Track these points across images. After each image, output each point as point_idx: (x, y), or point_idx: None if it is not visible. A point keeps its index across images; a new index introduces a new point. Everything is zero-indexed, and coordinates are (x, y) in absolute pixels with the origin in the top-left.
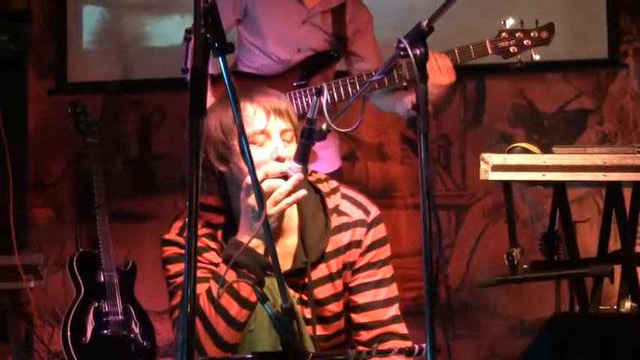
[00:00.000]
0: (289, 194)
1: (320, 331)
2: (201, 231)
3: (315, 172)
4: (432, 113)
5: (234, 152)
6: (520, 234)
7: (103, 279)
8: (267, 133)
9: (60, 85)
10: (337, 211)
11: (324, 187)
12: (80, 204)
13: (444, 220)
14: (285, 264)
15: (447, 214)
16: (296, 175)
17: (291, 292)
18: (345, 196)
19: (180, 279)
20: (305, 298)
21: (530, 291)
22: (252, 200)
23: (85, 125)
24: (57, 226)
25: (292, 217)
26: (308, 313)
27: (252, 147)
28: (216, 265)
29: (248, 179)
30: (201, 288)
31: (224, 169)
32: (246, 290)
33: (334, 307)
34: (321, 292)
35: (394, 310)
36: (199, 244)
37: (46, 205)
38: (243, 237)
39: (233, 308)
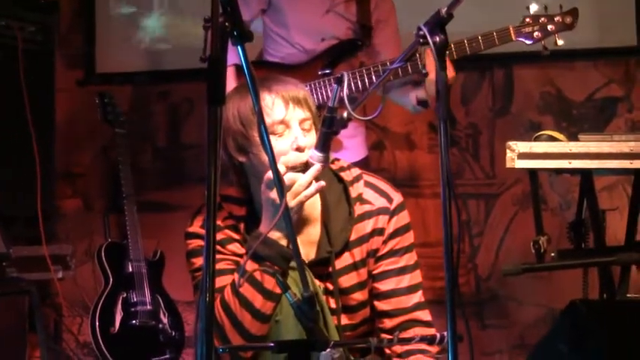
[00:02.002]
0: (309, 185)
1: (345, 320)
2: (224, 223)
3: (338, 159)
4: (454, 100)
5: (254, 143)
6: (549, 222)
7: (131, 269)
8: (287, 123)
9: (88, 75)
10: (360, 199)
11: (346, 176)
12: (109, 194)
13: (474, 209)
14: (310, 253)
15: (476, 202)
16: (315, 167)
17: (316, 282)
18: (367, 184)
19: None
20: (330, 287)
21: (559, 279)
22: (273, 194)
23: (113, 116)
24: (85, 217)
25: (316, 206)
26: (333, 303)
27: (271, 137)
28: (240, 256)
29: (269, 173)
30: (225, 280)
31: (244, 159)
32: (270, 282)
33: (359, 296)
34: (346, 280)
35: (418, 297)
36: (222, 235)
37: (75, 195)
38: (265, 230)
39: (258, 301)
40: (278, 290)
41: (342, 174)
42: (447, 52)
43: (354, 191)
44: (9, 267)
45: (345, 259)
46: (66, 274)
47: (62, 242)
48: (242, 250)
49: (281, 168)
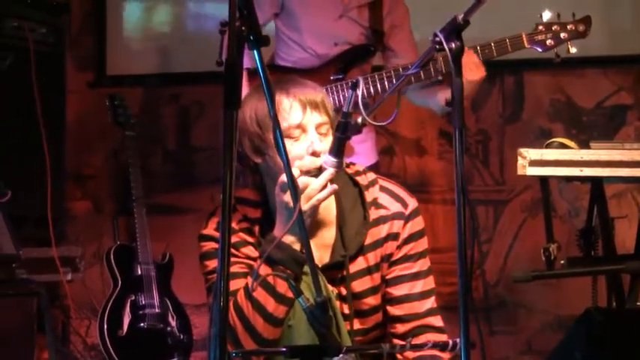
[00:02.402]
0: (322, 189)
1: (357, 325)
2: (239, 225)
3: (353, 164)
4: (467, 109)
5: (270, 145)
6: (559, 230)
7: (140, 272)
8: (303, 127)
9: (99, 77)
10: (375, 204)
11: (362, 180)
12: (118, 197)
13: (482, 215)
14: (324, 257)
15: (485, 209)
16: (328, 171)
17: (329, 287)
18: (383, 189)
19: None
20: (343, 292)
21: (567, 287)
22: (287, 197)
23: (123, 118)
24: (95, 219)
25: (331, 210)
26: (346, 309)
27: (287, 141)
28: (254, 259)
29: (283, 176)
30: (239, 284)
31: (259, 161)
32: (282, 286)
33: (372, 301)
34: (359, 285)
35: (430, 302)
36: (237, 238)
37: (85, 197)
38: (279, 233)
39: (270, 305)
40: (290, 294)
41: (358, 178)
42: (487, 52)
43: (369, 195)
44: (18, 268)
45: (359, 264)
46: (75, 276)
47: (72, 244)
48: (256, 254)
49: (295, 172)
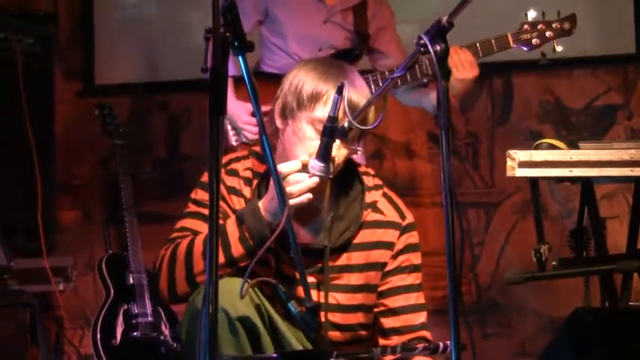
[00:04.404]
0: (300, 195)
1: (331, 317)
2: (243, 172)
3: (366, 166)
4: (458, 109)
5: (296, 120)
6: (550, 231)
7: (132, 281)
8: None
9: (87, 87)
10: (374, 207)
11: (368, 181)
12: (109, 206)
13: (474, 218)
14: (310, 239)
15: (476, 211)
16: (313, 179)
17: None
18: (385, 195)
19: (201, 209)
20: (314, 280)
21: (561, 288)
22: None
23: (112, 127)
24: (86, 229)
25: (333, 198)
26: (322, 297)
27: (310, 129)
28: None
29: (282, 167)
30: (201, 227)
31: (280, 125)
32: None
33: (342, 298)
34: (335, 279)
35: (423, 316)
36: (235, 183)
37: (75, 207)
38: (265, 206)
39: (198, 267)
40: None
41: (365, 178)
42: (472, 52)
43: (369, 197)
44: (10, 279)
45: (342, 259)
46: (67, 286)
47: (62, 254)
48: (240, 207)
49: (296, 164)
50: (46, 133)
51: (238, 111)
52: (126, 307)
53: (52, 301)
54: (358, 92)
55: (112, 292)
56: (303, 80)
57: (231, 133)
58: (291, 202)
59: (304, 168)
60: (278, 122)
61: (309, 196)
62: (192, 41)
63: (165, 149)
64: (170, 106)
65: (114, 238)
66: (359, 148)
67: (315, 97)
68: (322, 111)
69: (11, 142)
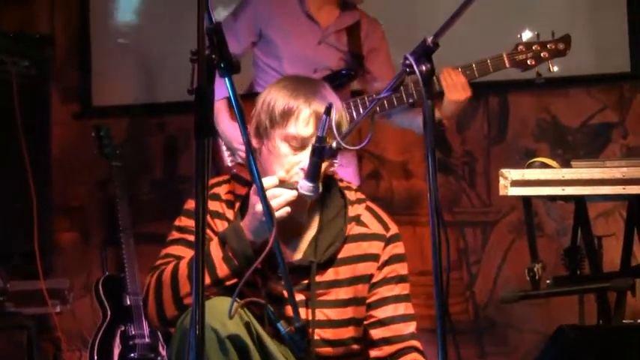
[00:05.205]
0: (278, 208)
1: (321, 333)
2: (225, 196)
3: (349, 182)
4: (450, 128)
5: (270, 139)
6: (546, 249)
7: (129, 302)
8: (306, 144)
9: (85, 108)
10: (357, 220)
11: (350, 195)
12: (106, 227)
13: (470, 237)
14: (296, 256)
15: (472, 230)
16: (289, 193)
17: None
18: (368, 209)
19: (185, 235)
20: (302, 297)
21: (557, 306)
22: (258, 204)
23: (109, 149)
24: (83, 250)
25: (313, 213)
26: (309, 314)
27: (285, 146)
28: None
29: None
30: (185, 253)
31: (256, 145)
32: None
33: (331, 313)
34: (323, 295)
35: (413, 326)
36: (218, 208)
37: (72, 229)
38: (246, 225)
39: (184, 290)
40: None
41: (347, 192)
42: (468, 72)
43: (352, 211)
44: (6, 302)
45: (328, 275)
46: (64, 308)
47: (60, 276)
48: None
49: (272, 180)
50: (42, 154)
51: (233, 132)
52: (123, 328)
53: (49, 322)
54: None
55: (109, 313)
56: (274, 98)
57: (226, 153)
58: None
59: (281, 183)
60: (254, 142)
61: (288, 209)
62: (190, 62)
63: (162, 170)
64: (167, 128)
65: (111, 260)
66: (336, 162)
67: (286, 114)
68: (294, 127)
69: (7, 165)
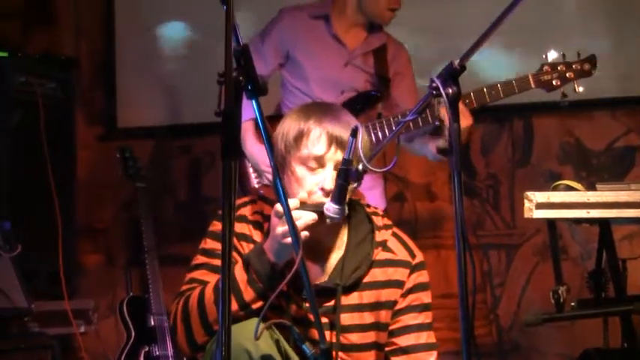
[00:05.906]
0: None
1: (343, 355)
2: (253, 217)
3: (376, 207)
4: (474, 151)
5: (289, 165)
6: (571, 272)
7: (153, 323)
8: (323, 163)
9: (110, 131)
10: (384, 245)
11: (377, 221)
12: (131, 249)
13: (495, 260)
14: (321, 278)
15: (497, 253)
16: (309, 215)
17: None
18: (395, 235)
19: (210, 260)
20: (326, 320)
21: (581, 329)
22: (280, 225)
23: (133, 170)
24: (108, 271)
25: (343, 237)
26: (333, 337)
27: (302, 169)
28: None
29: (278, 206)
30: (210, 278)
31: (282, 174)
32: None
33: (355, 338)
34: (347, 319)
35: (433, 356)
36: (244, 230)
37: (97, 251)
38: (267, 247)
39: (212, 315)
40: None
41: (374, 217)
42: (467, 101)
43: (379, 236)
44: (31, 322)
45: (352, 298)
46: (88, 328)
47: (84, 297)
48: None
49: (294, 202)
50: (67, 177)
51: (260, 154)
52: (147, 349)
53: (73, 343)
54: (341, 126)
55: (133, 333)
56: (288, 126)
57: (253, 175)
58: (289, 239)
59: (302, 205)
60: (280, 172)
61: (306, 234)
62: (216, 84)
63: (187, 192)
64: (192, 149)
65: (136, 281)
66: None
67: (299, 137)
68: (307, 148)
69: (33, 187)
